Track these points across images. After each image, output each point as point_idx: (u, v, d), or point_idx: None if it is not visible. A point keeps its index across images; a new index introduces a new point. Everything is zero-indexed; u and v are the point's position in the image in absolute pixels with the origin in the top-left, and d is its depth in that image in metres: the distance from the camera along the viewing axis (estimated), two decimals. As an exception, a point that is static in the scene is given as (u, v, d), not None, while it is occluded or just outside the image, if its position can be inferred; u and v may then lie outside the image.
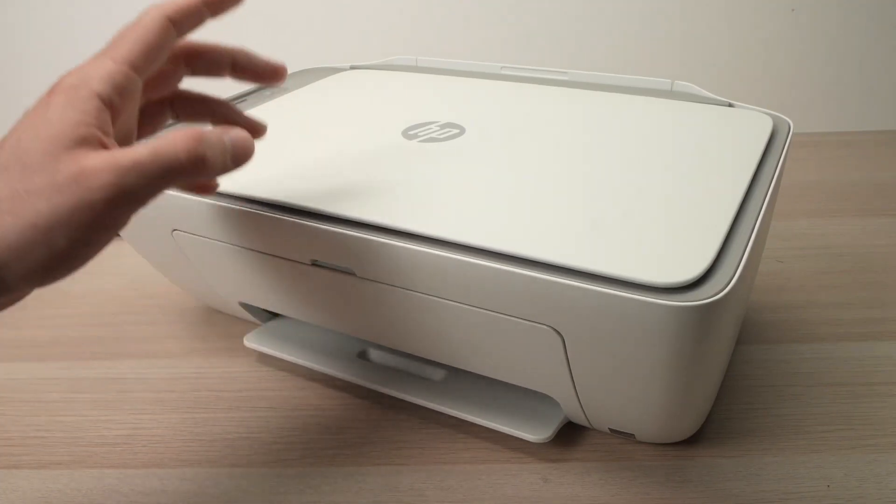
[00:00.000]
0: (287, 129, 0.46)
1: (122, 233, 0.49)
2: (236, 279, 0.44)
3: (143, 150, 0.26)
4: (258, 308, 0.48)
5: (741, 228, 0.32)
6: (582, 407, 0.37)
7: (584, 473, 0.38)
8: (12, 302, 0.27)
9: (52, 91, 0.28)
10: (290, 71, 0.60)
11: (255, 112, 0.50)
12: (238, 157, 0.29)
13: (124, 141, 0.30)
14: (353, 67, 0.59)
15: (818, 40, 0.81)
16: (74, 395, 0.46)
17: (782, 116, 0.44)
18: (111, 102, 0.27)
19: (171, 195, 0.39)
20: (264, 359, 0.49)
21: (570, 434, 0.41)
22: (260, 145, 0.44)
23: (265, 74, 0.36)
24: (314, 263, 0.37)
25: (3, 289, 0.25)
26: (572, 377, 0.35)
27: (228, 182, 0.38)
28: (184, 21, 0.31)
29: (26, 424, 0.44)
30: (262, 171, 0.39)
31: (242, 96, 0.54)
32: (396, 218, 0.34)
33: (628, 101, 0.48)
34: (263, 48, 0.87)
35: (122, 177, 0.25)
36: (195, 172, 0.27)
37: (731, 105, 0.46)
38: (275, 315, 0.50)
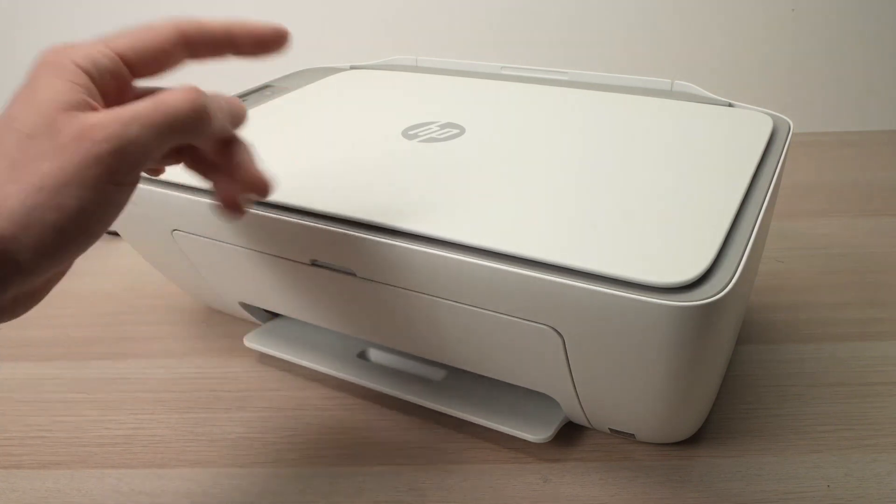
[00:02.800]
0: (287, 129, 0.46)
1: (122, 233, 0.49)
2: (236, 279, 0.44)
3: (144, 102, 0.25)
4: (258, 308, 0.48)
5: (741, 228, 0.32)
6: (582, 407, 0.37)
7: (584, 473, 0.38)
8: (36, 291, 0.26)
9: (35, 67, 0.27)
10: (289, 71, 0.61)
11: (255, 112, 0.50)
12: (235, 117, 0.29)
13: None
14: (353, 67, 0.59)
15: (818, 40, 0.81)
16: (75, 395, 0.46)
17: (782, 116, 0.44)
18: (93, 76, 0.27)
19: (172, 195, 0.39)
20: (264, 359, 0.49)
21: (570, 434, 0.41)
22: (260, 145, 0.44)
23: (267, 42, 0.34)
24: (314, 263, 0.37)
25: (17, 269, 0.23)
26: (572, 377, 0.35)
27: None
28: (198, 43, 0.30)
29: (27, 424, 0.44)
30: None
31: (242, 96, 0.54)
32: (396, 218, 0.34)
33: (628, 101, 0.48)
34: (263, 48, 0.84)
35: (126, 126, 0.24)
36: (198, 124, 0.27)
37: (731, 105, 0.46)
38: (275, 315, 0.50)
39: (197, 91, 0.27)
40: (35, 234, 0.23)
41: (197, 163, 0.31)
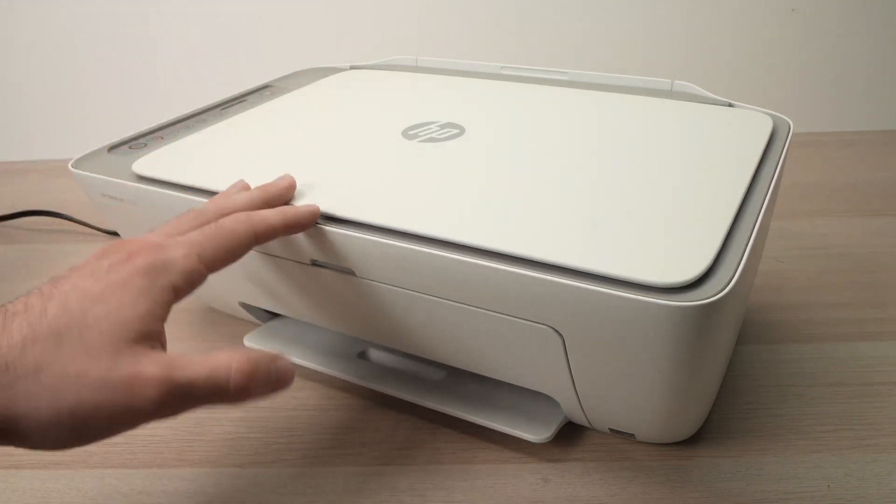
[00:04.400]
0: (287, 129, 0.46)
1: (123, 233, 0.49)
2: (236, 279, 0.44)
3: (199, 369, 0.26)
4: (258, 308, 0.48)
5: (741, 228, 0.32)
6: (582, 407, 0.37)
7: (584, 473, 0.38)
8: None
9: (130, 258, 0.27)
10: (290, 71, 0.61)
11: (255, 112, 0.50)
12: (275, 388, 0.28)
13: None
14: (353, 67, 0.59)
15: (818, 40, 0.81)
16: (74, 395, 0.46)
17: (782, 116, 0.44)
18: (180, 294, 0.28)
19: (172, 195, 0.39)
20: (264, 359, 0.49)
21: (570, 434, 0.41)
22: (260, 146, 0.44)
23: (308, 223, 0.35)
24: (314, 263, 0.37)
25: (9, 443, 0.25)
26: (572, 377, 0.35)
27: (229, 182, 0.38)
28: (266, 239, 0.33)
29: (26, 424, 0.44)
30: (261, 171, 0.39)
31: (242, 96, 0.54)
32: (396, 218, 0.34)
33: (628, 101, 0.48)
34: (264, 48, 0.87)
35: (172, 394, 0.25)
36: (236, 401, 0.27)
37: (731, 105, 0.46)
38: (275, 315, 0.50)
39: (249, 374, 0.26)
40: (42, 440, 0.25)
41: None
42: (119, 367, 0.25)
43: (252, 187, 0.37)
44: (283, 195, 0.36)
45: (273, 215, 0.33)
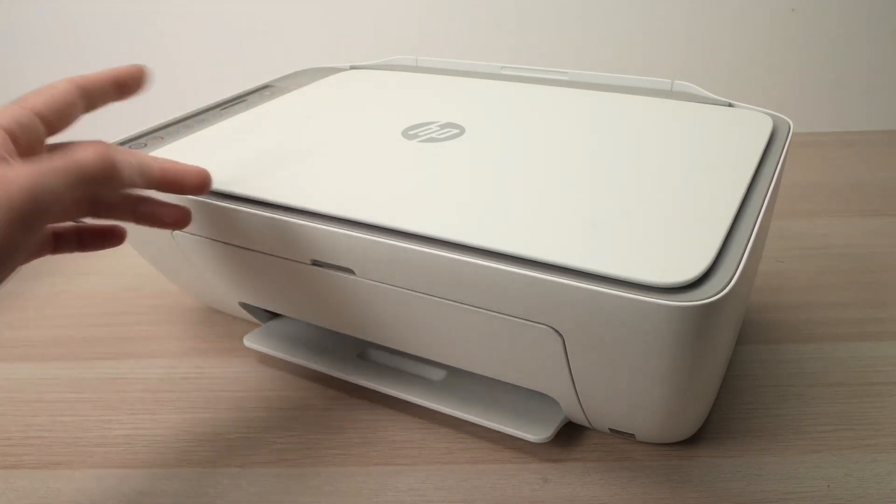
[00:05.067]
0: (287, 129, 0.46)
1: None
2: (236, 279, 0.44)
3: (57, 155, 0.28)
4: (258, 308, 0.48)
5: (741, 228, 0.32)
6: (582, 407, 0.37)
7: (584, 473, 0.38)
8: None
9: None
10: (289, 71, 0.61)
11: (255, 112, 0.50)
12: (144, 173, 0.32)
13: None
14: (353, 67, 0.59)
15: (818, 40, 0.81)
16: (75, 395, 0.46)
17: (782, 116, 0.44)
18: (14, 133, 0.30)
19: (172, 196, 0.39)
20: (264, 359, 0.49)
21: (570, 434, 0.41)
22: (260, 145, 0.44)
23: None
24: (314, 263, 0.37)
25: None
26: (572, 377, 0.35)
27: (229, 182, 0.38)
28: (92, 93, 0.34)
29: (27, 424, 0.44)
30: (262, 171, 0.39)
31: (242, 96, 0.54)
32: (396, 218, 0.34)
33: (628, 101, 0.48)
34: (264, 48, 0.87)
35: (39, 177, 0.27)
36: (107, 176, 0.29)
37: (731, 105, 0.46)
38: (275, 315, 0.50)
39: (106, 146, 0.30)
40: None
41: (107, 211, 0.36)
42: None
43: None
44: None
45: (95, 73, 0.35)
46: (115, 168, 0.29)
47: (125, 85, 0.36)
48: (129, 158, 0.31)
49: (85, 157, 0.28)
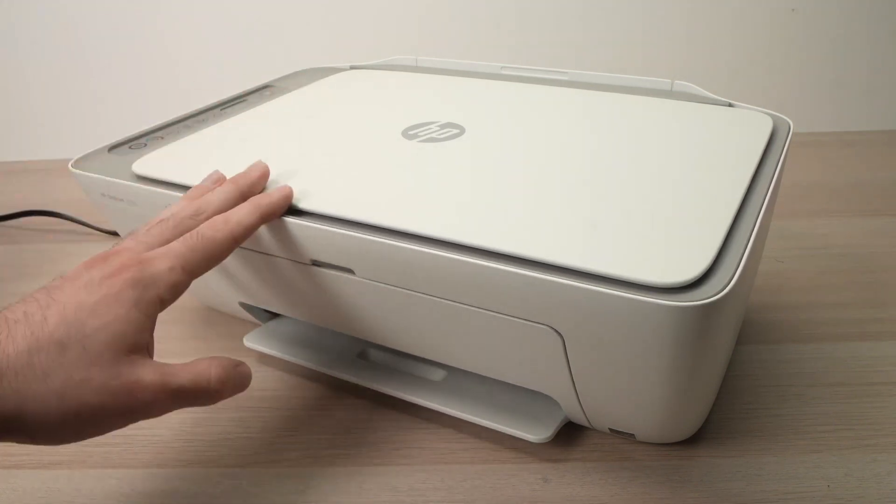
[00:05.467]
0: (287, 129, 0.47)
1: (123, 234, 0.49)
2: (236, 279, 0.44)
3: (186, 376, 0.30)
4: (258, 308, 0.48)
5: (741, 228, 0.32)
6: (582, 407, 0.37)
7: (584, 473, 0.38)
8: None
9: (119, 271, 0.29)
10: (289, 71, 0.61)
11: (255, 112, 0.50)
12: (238, 391, 0.33)
13: None
14: (353, 67, 0.59)
15: (818, 40, 0.81)
16: (74, 395, 0.46)
17: (782, 116, 0.44)
18: (165, 306, 0.31)
19: (172, 195, 0.39)
20: (264, 359, 0.49)
21: (570, 434, 0.41)
22: (260, 145, 0.44)
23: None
24: (314, 263, 0.37)
25: (15, 440, 0.27)
26: (572, 377, 0.35)
27: (228, 182, 0.38)
28: (245, 238, 0.34)
29: (26, 424, 0.44)
30: (262, 171, 0.39)
31: (242, 96, 0.54)
32: (396, 218, 0.34)
33: (628, 101, 0.48)
34: (264, 48, 0.87)
35: (165, 399, 0.29)
36: (211, 402, 0.31)
37: (731, 105, 0.46)
38: (275, 315, 0.50)
39: (223, 380, 0.31)
40: (46, 437, 0.27)
41: None
42: (120, 374, 0.28)
43: (226, 178, 0.38)
44: (256, 185, 0.37)
45: (248, 214, 0.34)
46: (219, 397, 0.31)
47: (271, 217, 0.36)
48: (234, 383, 0.32)
49: (206, 385, 0.30)
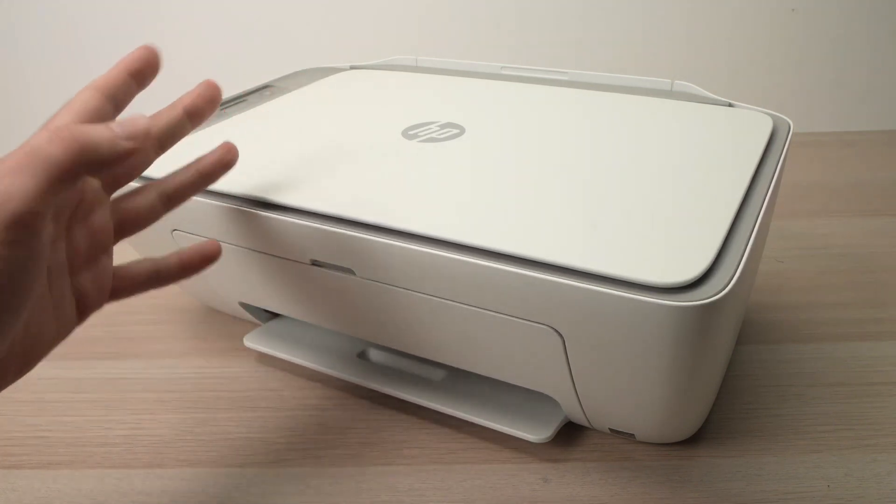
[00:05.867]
0: (287, 129, 0.46)
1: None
2: (236, 279, 0.44)
3: (9, 157, 0.25)
4: (258, 308, 0.48)
5: (741, 228, 0.32)
6: (582, 407, 0.37)
7: (584, 473, 0.38)
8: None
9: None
10: (289, 71, 0.61)
11: (255, 112, 0.50)
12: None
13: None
14: (353, 67, 0.59)
15: (818, 40, 0.81)
16: (75, 396, 0.46)
17: (782, 116, 0.44)
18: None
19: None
20: (264, 359, 0.49)
21: (570, 434, 0.41)
22: (260, 146, 0.44)
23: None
24: (314, 263, 0.37)
25: None
26: (572, 377, 0.35)
27: (228, 182, 0.38)
28: (116, 93, 0.32)
29: (27, 424, 0.44)
30: (262, 171, 0.39)
31: (242, 96, 0.54)
32: (396, 218, 0.34)
33: (628, 101, 0.48)
34: (264, 48, 0.87)
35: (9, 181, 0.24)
36: (81, 162, 0.25)
37: (731, 105, 0.46)
38: (275, 315, 0.50)
39: (66, 128, 0.25)
40: None
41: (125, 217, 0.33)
42: None
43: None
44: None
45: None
46: (83, 150, 0.25)
47: (141, 72, 0.33)
48: (102, 130, 0.26)
49: (44, 150, 0.24)
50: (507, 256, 0.31)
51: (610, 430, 0.40)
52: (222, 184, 0.38)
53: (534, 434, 0.39)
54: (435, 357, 0.41)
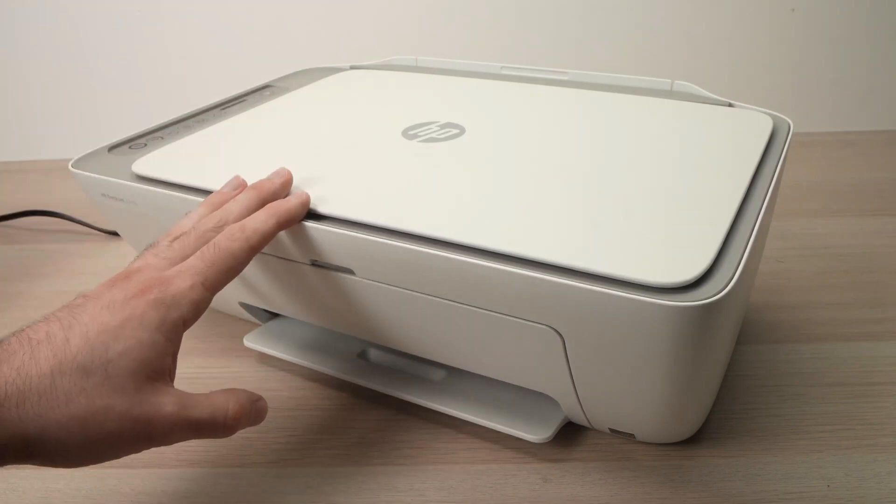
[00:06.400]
0: (287, 128, 0.47)
1: (122, 233, 0.49)
2: (236, 279, 0.44)
3: (204, 410, 0.30)
4: (258, 308, 0.48)
5: (741, 228, 0.32)
6: (582, 407, 0.37)
7: (584, 473, 0.38)
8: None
9: (142, 292, 0.29)
10: (289, 71, 0.61)
11: (255, 112, 0.50)
12: (253, 424, 0.32)
13: None
14: (353, 67, 0.59)
15: (818, 40, 0.81)
16: (74, 395, 0.46)
17: (782, 116, 0.44)
18: (189, 325, 0.30)
19: (172, 195, 0.39)
20: (264, 359, 0.49)
21: (570, 434, 0.41)
22: (260, 146, 0.44)
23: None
24: (314, 263, 0.37)
25: (33, 463, 0.27)
26: (572, 377, 0.35)
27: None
28: (262, 246, 0.34)
29: (26, 424, 0.44)
30: (261, 171, 0.39)
31: (242, 96, 0.54)
32: (396, 218, 0.34)
33: (628, 101, 0.48)
34: (264, 48, 0.87)
35: (182, 430, 0.29)
36: (224, 435, 0.31)
37: (731, 105, 0.46)
38: (275, 315, 0.50)
39: (238, 417, 0.31)
40: (63, 460, 0.27)
41: None
42: (141, 402, 0.28)
43: (247, 183, 0.37)
44: (278, 193, 0.36)
45: (265, 223, 0.34)
46: (233, 431, 0.31)
47: (289, 224, 0.35)
48: (250, 417, 0.32)
49: (223, 421, 0.30)
50: (507, 256, 0.31)
51: (610, 430, 0.40)
52: (222, 184, 0.38)
53: (534, 434, 0.39)
54: (435, 357, 0.41)
